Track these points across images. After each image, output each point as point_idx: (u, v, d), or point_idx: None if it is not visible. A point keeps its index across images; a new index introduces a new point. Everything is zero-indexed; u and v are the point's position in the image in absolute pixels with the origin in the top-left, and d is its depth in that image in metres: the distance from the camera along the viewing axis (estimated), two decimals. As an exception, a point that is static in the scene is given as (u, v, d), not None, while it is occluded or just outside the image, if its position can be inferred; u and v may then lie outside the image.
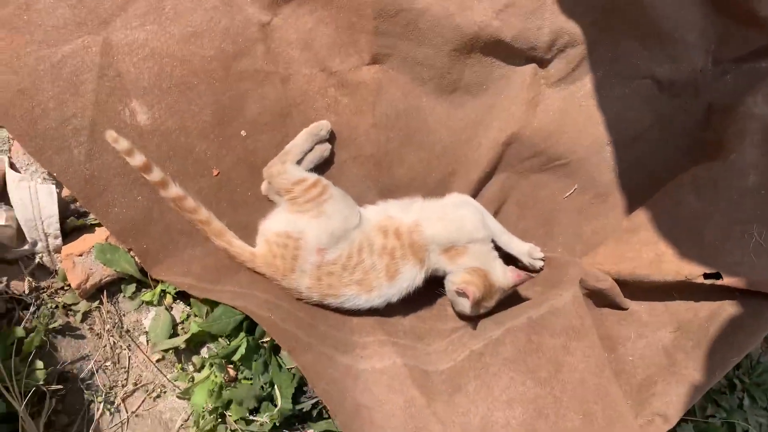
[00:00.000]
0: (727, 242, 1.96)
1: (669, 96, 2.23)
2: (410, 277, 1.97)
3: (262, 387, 1.83)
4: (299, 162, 2.00)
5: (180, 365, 1.88)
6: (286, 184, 1.94)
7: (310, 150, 2.03)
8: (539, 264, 2.18)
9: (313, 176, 1.97)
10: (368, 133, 2.11)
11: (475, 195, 2.21)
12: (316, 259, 1.89)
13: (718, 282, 1.85)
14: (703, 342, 1.92)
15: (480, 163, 2.18)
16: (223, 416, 1.81)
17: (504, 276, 2.00)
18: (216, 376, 1.82)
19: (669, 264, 1.93)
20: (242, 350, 1.78)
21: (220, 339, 1.85)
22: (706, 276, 1.87)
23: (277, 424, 1.83)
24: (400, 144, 2.14)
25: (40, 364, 1.70)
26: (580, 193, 2.25)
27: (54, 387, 1.73)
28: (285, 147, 2.01)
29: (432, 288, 2.11)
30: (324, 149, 2.05)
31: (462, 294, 1.94)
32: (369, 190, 2.14)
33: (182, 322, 1.92)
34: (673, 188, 2.11)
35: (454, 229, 1.99)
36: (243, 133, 2.02)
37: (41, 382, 1.67)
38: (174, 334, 1.89)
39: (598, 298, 2.05)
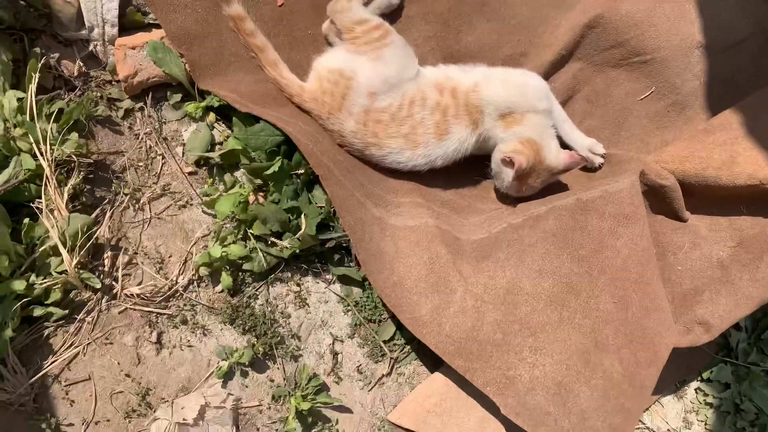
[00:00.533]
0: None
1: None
2: (460, 139, 1.87)
3: (288, 212, 1.76)
4: (367, 4, 1.92)
5: (211, 180, 1.84)
6: (348, 22, 1.86)
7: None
8: (599, 160, 2.03)
9: (378, 19, 1.89)
10: (443, -11, 2.01)
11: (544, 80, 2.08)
12: (365, 102, 1.81)
13: (797, 189, 1.67)
14: (764, 256, 1.74)
15: (555, 45, 2.05)
16: (245, 233, 1.76)
17: (557, 156, 1.87)
18: (244, 189, 1.77)
19: (743, 166, 1.76)
20: (276, 168, 1.71)
21: (255, 158, 1.78)
22: (783, 181, 1.70)
23: (297, 252, 1.76)
24: (474, 9, 2.03)
25: (74, 135, 1.68)
26: (656, 97, 2.08)
27: (85, 160, 1.71)
28: None
29: (477, 170, 2.00)
30: (394, -4, 1.96)
31: (508, 163, 1.83)
32: (433, 51, 2.04)
33: (221, 143, 1.87)
34: (762, 95, 1.92)
35: (516, 93, 1.88)
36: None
37: (72, 152, 1.65)
38: (211, 151, 1.85)
39: (657, 199, 1.89)
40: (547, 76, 2.08)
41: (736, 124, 1.86)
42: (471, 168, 1.99)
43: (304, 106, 1.88)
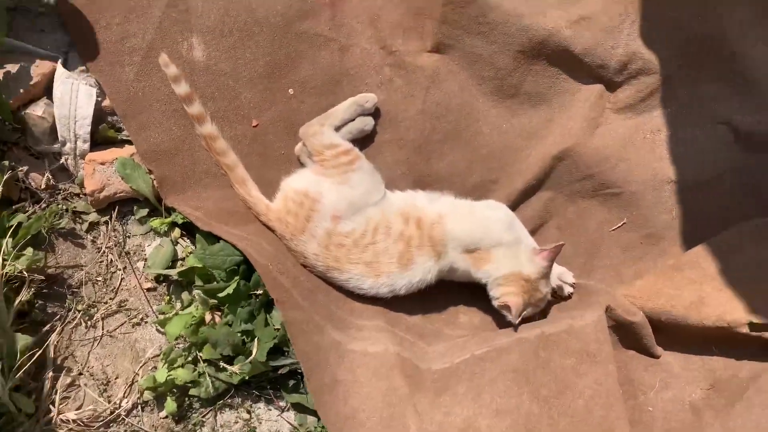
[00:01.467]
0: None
1: (744, 147, 2.04)
2: (423, 270, 1.85)
3: (242, 335, 1.71)
4: (339, 129, 1.96)
5: (168, 298, 1.81)
6: (318, 145, 1.89)
7: (352, 120, 1.98)
8: (568, 290, 1.99)
9: (347, 144, 1.91)
10: (415, 119, 2.04)
11: (514, 208, 2.08)
12: (329, 226, 1.80)
13: (767, 335, 1.62)
14: (737, 403, 1.66)
15: (525, 175, 2.06)
16: (196, 359, 1.71)
17: (533, 264, 1.83)
18: (197, 310, 1.73)
19: (711, 308, 1.71)
20: (230, 290, 1.68)
21: (215, 277, 1.76)
22: (752, 326, 1.64)
23: (247, 378, 1.70)
24: (445, 137, 2.06)
25: (30, 251, 1.67)
26: (629, 229, 2.07)
27: (36, 277, 1.69)
28: (328, 110, 1.98)
29: (446, 293, 1.97)
30: (366, 123, 1.99)
31: (506, 308, 1.80)
32: (404, 176, 2.05)
33: (183, 259, 1.86)
34: (732, 235, 1.89)
35: (479, 228, 1.86)
36: (291, 91, 2.01)
37: (24, 268, 1.63)
38: (171, 267, 1.83)
39: (626, 335, 1.83)
40: (517, 203, 2.08)
41: (706, 263, 1.83)
42: (440, 292, 1.95)
43: (269, 225, 1.88)
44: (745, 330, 1.64)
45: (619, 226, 2.07)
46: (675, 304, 1.76)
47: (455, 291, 1.95)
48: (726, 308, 1.69)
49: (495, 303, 1.86)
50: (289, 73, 2.00)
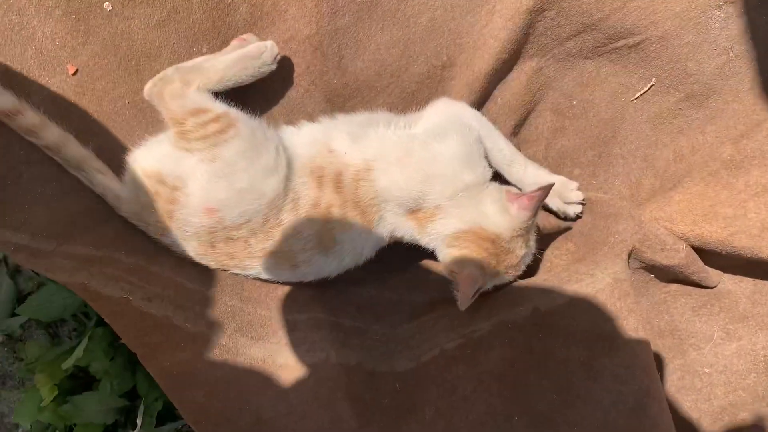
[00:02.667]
0: None
1: None
2: (354, 249, 1.29)
3: (125, 398, 1.24)
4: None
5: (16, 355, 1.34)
6: (179, 111, 1.22)
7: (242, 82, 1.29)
8: (574, 210, 1.37)
9: (221, 107, 1.24)
10: (302, 0, 1.31)
11: (484, 99, 1.40)
12: (205, 223, 1.22)
13: None
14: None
15: (491, 46, 1.34)
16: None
17: (505, 215, 1.22)
18: (50, 380, 1.25)
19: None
20: (79, 352, 1.18)
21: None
22: None
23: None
24: (357, 17, 1.34)
25: None
26: (659, 91, 1.37)
27: None
28: (196, 60, 1.29)
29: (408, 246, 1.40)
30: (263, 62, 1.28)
31: (457, 284, 1.22)
32: (308, 95, 1.39)
33: (31, 293, 1.34)
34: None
35: (421, 179, 1.23)
36: (107, 5, 1.30)
37: None
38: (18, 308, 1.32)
39: (663, 272, 1.25)
40: (486, 92, 1.40)
41: (786, 153, 1.16)
42: (399, 245, 1.39)
43: (130, 220, 1.31)
44: None
45: (645, 91, 1.38)
46: (737, 230, 1.13)
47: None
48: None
49: (446, 273, 1.28)
50: (94, -24, 1.28)
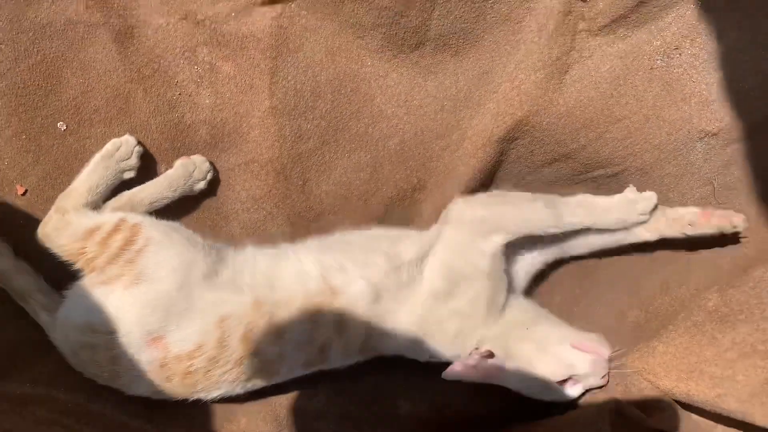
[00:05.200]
0: None
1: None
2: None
3: None
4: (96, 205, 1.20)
5: None
6: (71, 243, 1.13)
7: (113, 183, 1.21)
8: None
9: (114, 216, 1.15)
10: (265, 123, 1.26)
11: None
12: (153, 356, 1.12)
13: None
14: None
15: (462, 173, 1.28)
16: None
17: None
18: None
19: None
20: None
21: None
22: None
23: None
24: (322, 141, 1.28)
25: None
26: (642, 221, 1.30)
27: None
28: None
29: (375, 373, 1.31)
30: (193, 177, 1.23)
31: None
32: (271, 218, 1.31)
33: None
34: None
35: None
36: (61, 125, 1.24)
37: None
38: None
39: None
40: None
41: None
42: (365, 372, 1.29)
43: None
44: None
45: (626, 221, 1.29)
46: (724, 393, 1.03)
47: (388, 367, 1.28)
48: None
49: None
50: (48, 97, 1.22)
